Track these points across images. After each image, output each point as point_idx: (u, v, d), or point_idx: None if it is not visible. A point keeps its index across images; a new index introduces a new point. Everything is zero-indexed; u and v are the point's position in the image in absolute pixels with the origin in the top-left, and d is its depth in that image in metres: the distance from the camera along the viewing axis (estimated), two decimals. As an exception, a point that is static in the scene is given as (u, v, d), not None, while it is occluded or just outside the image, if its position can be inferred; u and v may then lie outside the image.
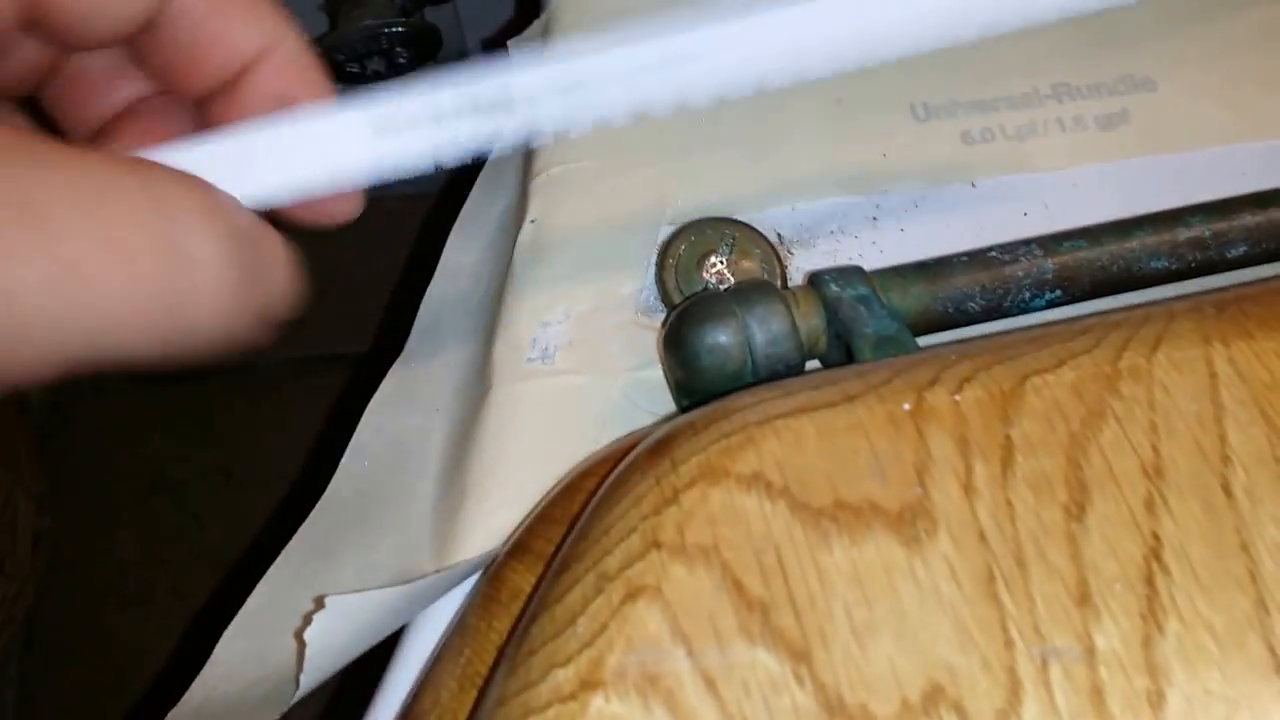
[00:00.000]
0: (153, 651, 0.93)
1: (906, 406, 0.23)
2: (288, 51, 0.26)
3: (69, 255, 0.19)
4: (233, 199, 0.23)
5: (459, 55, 0.84)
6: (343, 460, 0.34)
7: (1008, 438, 0.22)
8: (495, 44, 0.42)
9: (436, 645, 0.29)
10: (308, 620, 0.26)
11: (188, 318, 0.21)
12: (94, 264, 0.20)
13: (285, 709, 0.28)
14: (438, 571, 0.29)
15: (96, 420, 1.04)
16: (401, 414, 0.35)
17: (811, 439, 0.22)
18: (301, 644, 0.26)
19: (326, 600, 0.25)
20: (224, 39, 0.26)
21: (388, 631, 0.29)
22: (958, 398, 0.23)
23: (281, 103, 0.26)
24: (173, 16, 0.26)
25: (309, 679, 0.27)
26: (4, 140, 0.20)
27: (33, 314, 0.19)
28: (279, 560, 0.32)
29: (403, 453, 0.34)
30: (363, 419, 0.35)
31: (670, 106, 0.26)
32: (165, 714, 0.30)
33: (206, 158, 0.24)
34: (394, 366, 0.36)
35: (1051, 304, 0.30)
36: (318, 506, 0.34)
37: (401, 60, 0.74)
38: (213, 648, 0.30)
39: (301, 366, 1.04)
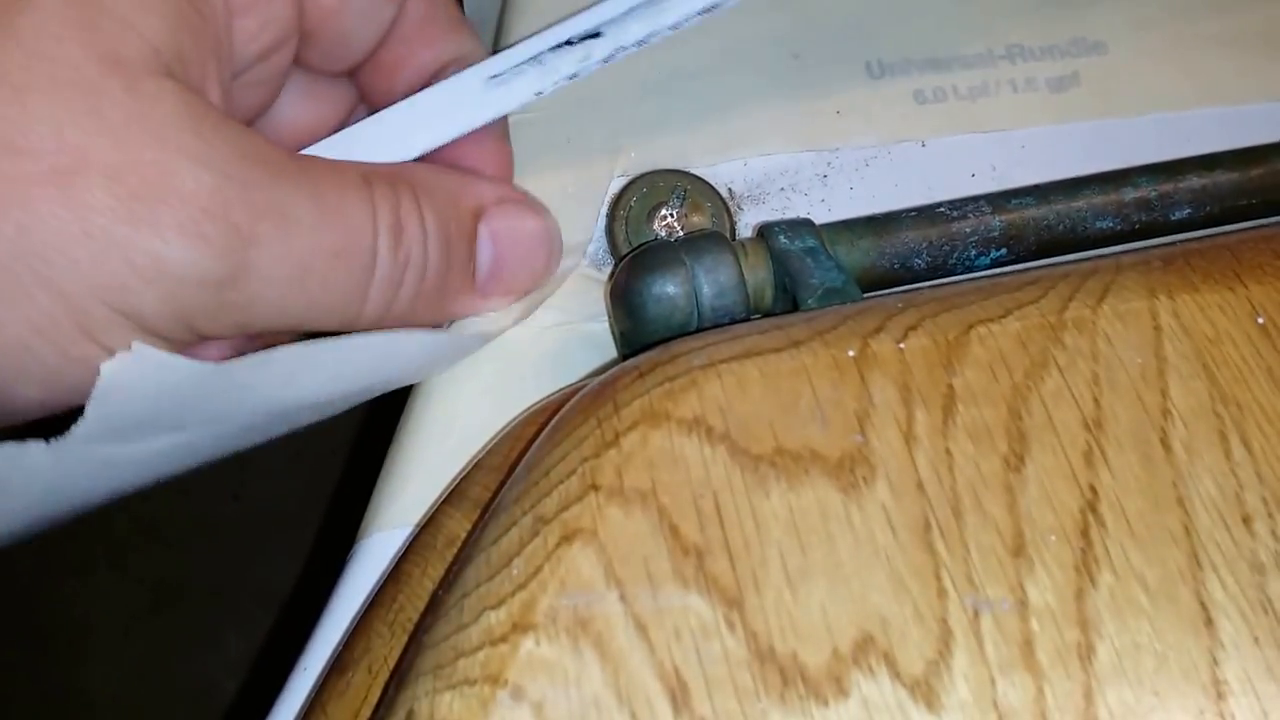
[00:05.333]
0: (94, 619, 0.92)
1: (851, 353, 0.22)
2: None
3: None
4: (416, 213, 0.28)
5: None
6: None
7: (950, 386, 0.22)
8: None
9: (371, 592, 0.28)
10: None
11: (367, 309, 0.28)
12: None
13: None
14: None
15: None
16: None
17: (755, 383, 0.22)
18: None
19: (135, 345, 0.24)
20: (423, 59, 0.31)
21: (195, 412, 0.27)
22: (902, 345, 0.23)
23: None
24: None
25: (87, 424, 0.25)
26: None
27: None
28: None
29: None
30: None
31: None
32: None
33: (363, 137, 0.30)
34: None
35: (997, 262, 0.30)
36: None
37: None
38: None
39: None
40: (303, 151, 0.30)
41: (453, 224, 0.29)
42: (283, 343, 0.27)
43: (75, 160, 0.23)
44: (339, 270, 0.26)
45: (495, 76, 0.30)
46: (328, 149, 0.30)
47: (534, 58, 0.30)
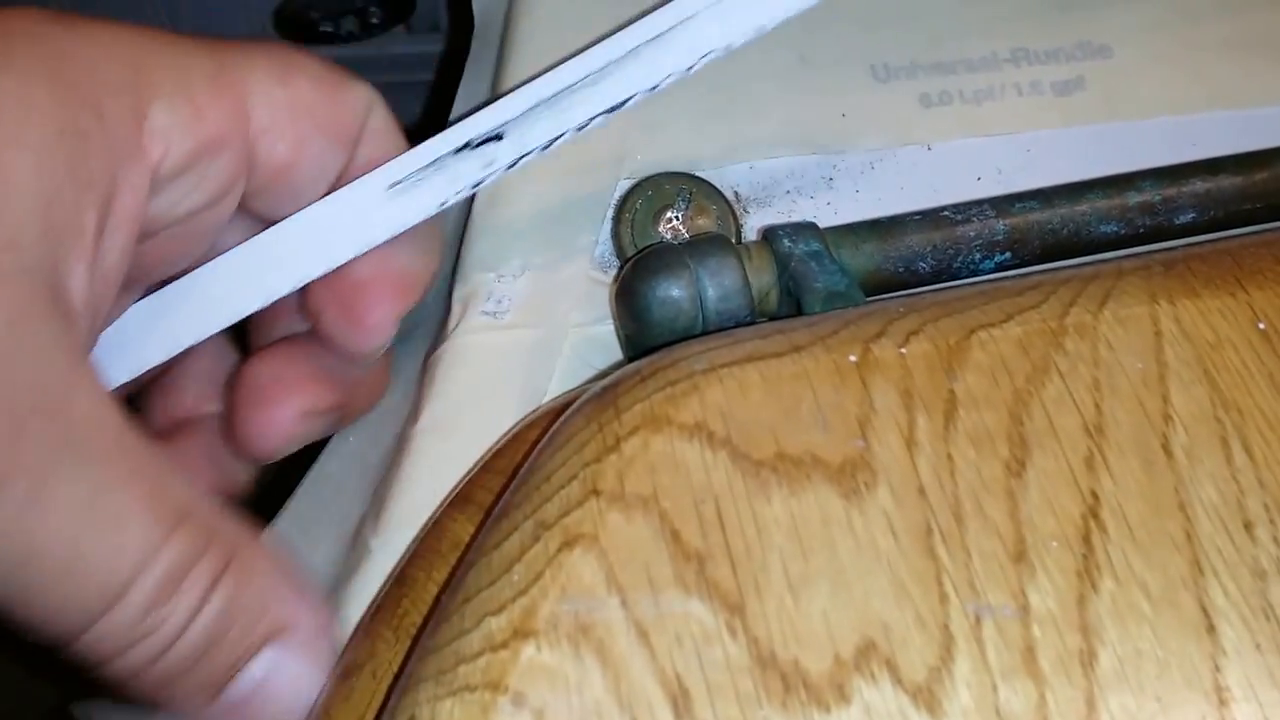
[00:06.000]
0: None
1: (853, 358, 0.22)
2: (377, 126, 0.29)
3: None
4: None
5: (431, 16, 0.83)
6: (333, 437, 0.34)
7: (951, 392, 0.22)
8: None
9: (375, 597, 0.28)
10: None
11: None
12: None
13: None
14: None
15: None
16: (390, 389, 0.35)
17: (756, 388, 0.22)
18: None
19: None
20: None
21: None
22: (904, 350, 0.23)
23: None
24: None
25: None
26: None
27: None
28: (263, 536, 0.32)
29: (383, 425, 0.34)
30: None
31: (646, 91, 0.28)
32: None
33: (248, 254, 0.28)
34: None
35: (1001, 266, 0.30)
36: (304, 480, 0.34)
37: (375, 21, 0.73)
38: None
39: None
40: (195, 270, 0.28)
41: (240, 624, 0.24)
42: None
43: None
44: (72, 577, 0.22)
45: (395, 184, 0.28)
46: (217, 268, 0.28)
47: (435, 162, 0.28)
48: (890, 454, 0.21)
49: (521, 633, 0.20)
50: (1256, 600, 0.20)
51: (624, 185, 0.34)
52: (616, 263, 0.33)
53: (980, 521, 0.21)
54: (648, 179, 0.34)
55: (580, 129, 0.28)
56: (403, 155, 0.28)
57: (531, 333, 0.32)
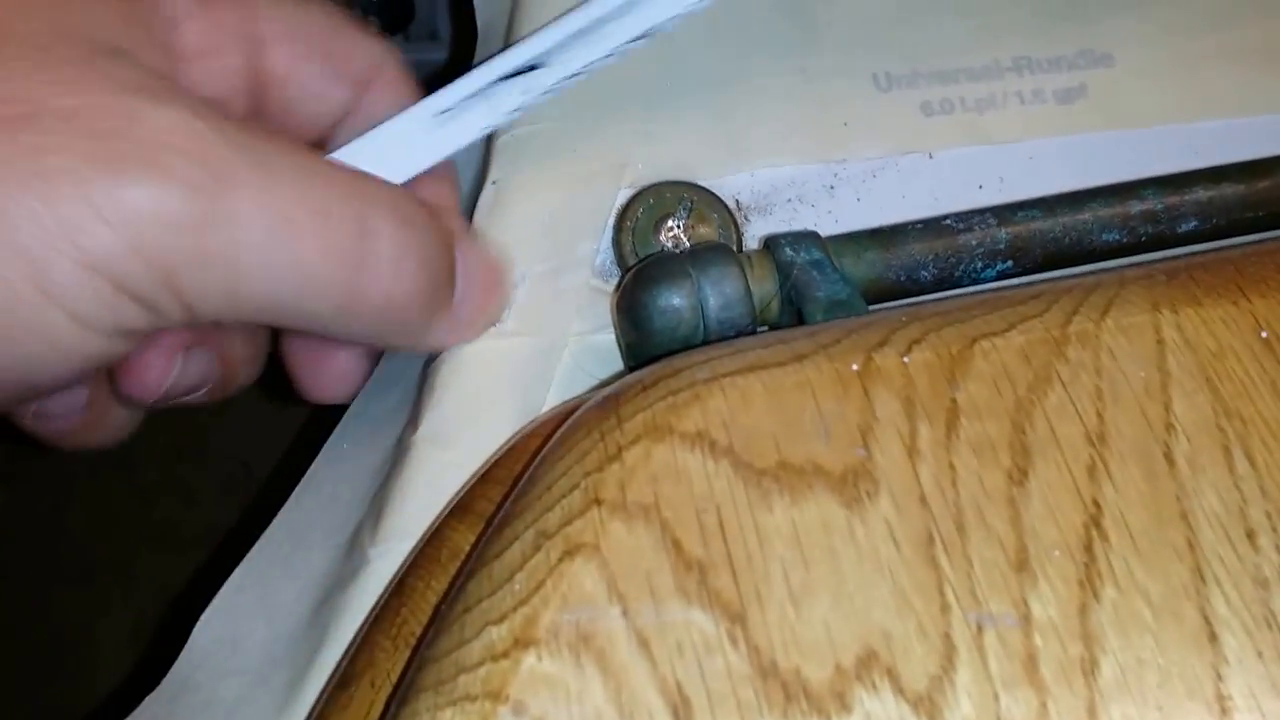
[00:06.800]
0: (99, 630, 0.92)
1: (855, 367, 0.22)
2: (389, 77, 0.31)
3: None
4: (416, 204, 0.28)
5: (429, 25, 0.83)
6: (327, 442, 0.34)
7: (954, 400, 0.22)
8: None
9: (374, 606, 0.28)
10: None
11: (364, 286, 0.25)
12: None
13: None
14: None
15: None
16: (384, 396, 0.35)
17: (759, 397, 0.22)
18: None
19: None
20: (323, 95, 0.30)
21: None
22: (906, 359, 0.22)
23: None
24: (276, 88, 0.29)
25: None
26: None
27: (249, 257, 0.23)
28: (259, 543, 0.32)
29: (379, 432, 0.34)
30: (352, 403, 0.35)
31: (673, 22, 0.31)
32: (116, 698, 0.30)
33: None
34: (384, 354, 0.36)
35: (1003, 275, 0.30)
36: (298, 488, 0.34)
37: (373, 30, 0.74)
38: (162, 632, 0.31)
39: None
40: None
41: (439, 235, 0.28)
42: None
43: (27, 108, 0.21)
44: (330, 230, 0.24)
45: (444, 111, 0.30)
46: None
47: (480, 91, 0.30)
48: (892, 463, 0.21)
49: (522, 642, 0.20)
50: (1259, 609, 0.20)
51: (625, 194, 0.34)
52: (617, 271, 0.33)
53: (982, 530, 0.21)
54: (649, 188, 0.34)
55: (609, 56, 0.31)
56: (449, 86, 0.30)
57: (532, 341, 0.32)
